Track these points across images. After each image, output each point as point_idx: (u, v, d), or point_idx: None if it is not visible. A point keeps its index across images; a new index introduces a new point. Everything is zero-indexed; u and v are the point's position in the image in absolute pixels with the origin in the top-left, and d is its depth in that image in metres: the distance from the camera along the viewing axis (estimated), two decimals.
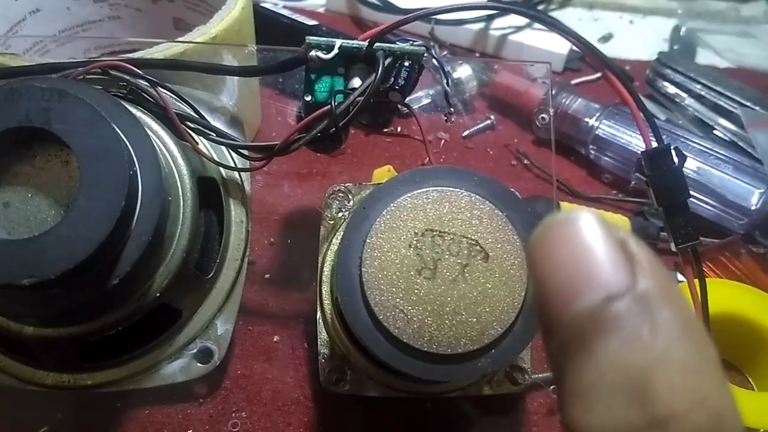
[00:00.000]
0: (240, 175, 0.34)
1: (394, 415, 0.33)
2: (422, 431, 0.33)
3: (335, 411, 0.33)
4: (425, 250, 0.28)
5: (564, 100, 0.48)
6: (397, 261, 0.28)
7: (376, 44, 0.31)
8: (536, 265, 0.16)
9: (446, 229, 0.28)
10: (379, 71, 0.31)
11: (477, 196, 0.29)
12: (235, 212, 0.34)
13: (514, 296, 0.28)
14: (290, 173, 0.42)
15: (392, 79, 0.31)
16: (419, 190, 0.29)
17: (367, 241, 0.28)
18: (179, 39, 0.37)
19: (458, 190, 0.29)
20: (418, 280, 0.28)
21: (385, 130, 0.47)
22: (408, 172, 0.30)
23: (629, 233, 0.16)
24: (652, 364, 0.14)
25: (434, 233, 0.28)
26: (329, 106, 0.30)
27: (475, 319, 0.28)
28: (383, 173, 0.41)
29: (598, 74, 0.56)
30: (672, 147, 0.32)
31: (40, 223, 0.27)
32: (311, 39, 0.32)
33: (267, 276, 0.38)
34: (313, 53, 0.31)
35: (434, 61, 0.33)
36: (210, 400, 0.33)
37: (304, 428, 0.32)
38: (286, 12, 0.51)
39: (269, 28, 0.46)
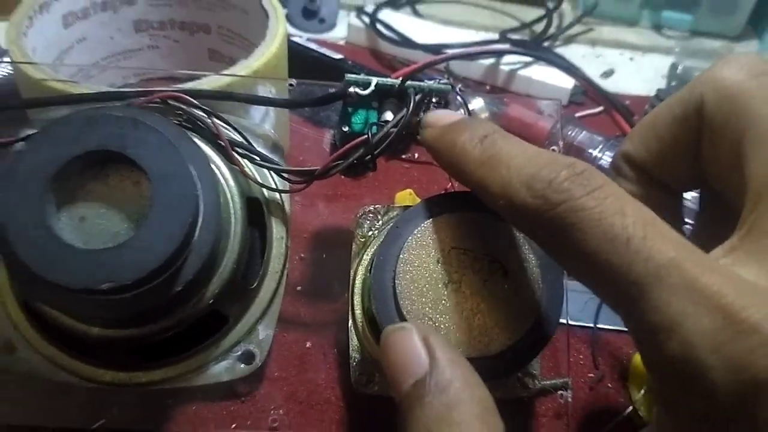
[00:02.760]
0: (281, 196, 0.38)
1: None
2: None
3: (364, 410, 0.36)
4: (451, 266, 0.32)
5: (570, 132, 0.52)
6: (426, 275, 0.31)
7: (408, 82, 0.35)
8: (384, 358, 0.26)
9: (470, 248, 0.32)
10: (411, 106, 0.35)
11: (497, 219, 0.32)
12: (276, 229, 0.37)
13: (529, 308, 0.32)
14: (318, 194, 0.46)
15: (422, 113, 0.35)
16: (447, 213, 0.32)
17: (400, 256, 0.32)
18: (224, 72, 0.41)
19: (481, 213, 0.32)
20: (445, 292, 0.31)
21: (404, 156, 0.51)
22: (436, 196, 0.33)
23: (435, 335, 0.26)
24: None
25: (459, 251, 0.32)
26: (366, 136, 0.34)
27: (495, 327, 0.31)
28: (405, 196, 0.45)
29: (600, 108, 0.60)
30: None
31: (113, 236, 0.30)
32: (350, 77, 0.35)
33: (299, 288, 0.41)
34: (351, 89, 0.35)
35: (459, 98, 0.37)
36: (251, 398, 0.36)
37: (336, 425, 0.36)
38: (313, 46, 0.55)
39: (299, 60, 0.49)
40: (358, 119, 0.36)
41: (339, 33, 0.66)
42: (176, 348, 0.35)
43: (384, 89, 0.35)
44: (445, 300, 0.31)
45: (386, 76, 0.36)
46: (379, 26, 0.63)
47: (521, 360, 0.32)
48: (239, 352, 0.35)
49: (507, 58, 0.60)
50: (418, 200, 0.41)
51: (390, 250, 0.32)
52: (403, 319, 0.31)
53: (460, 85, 0.59)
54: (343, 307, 0.40)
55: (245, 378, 0.35)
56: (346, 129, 0.36)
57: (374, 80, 0.35)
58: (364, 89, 0.35)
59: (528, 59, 0.61)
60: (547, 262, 0.32)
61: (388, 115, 0.36)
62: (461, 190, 0.34)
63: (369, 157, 0.34)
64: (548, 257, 0.32)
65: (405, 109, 0.35)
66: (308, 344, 0.39)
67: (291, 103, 0.38)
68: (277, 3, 0.47)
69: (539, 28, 0.70)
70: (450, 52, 0.39)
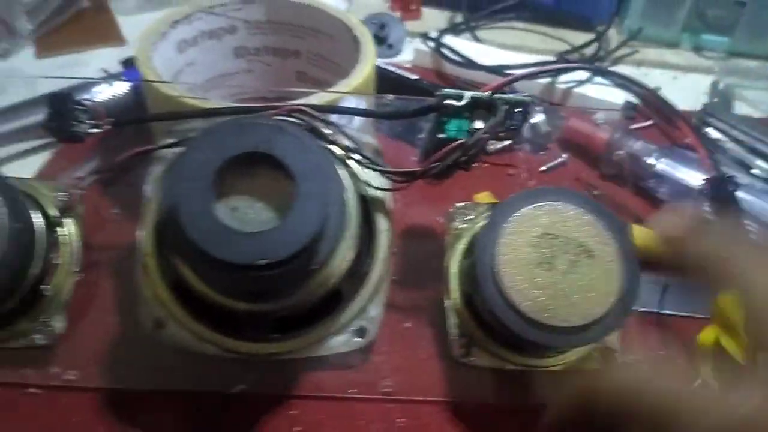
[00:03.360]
0: (384, 194, 0.43)
1: (507, 383, 0.42)
2: (521, 399, 0.42)
3: (463, 379, 0.42)
4: (543, 249, 0.37)
5: (627, 142, 0.57)
6: (522, 257, 0.37)
7: (495, 95, 0.41)
8: None
9: (559, 233, 0.37)
10: (500, 115, 0.40)
11: (580, 209, 0.38)
12: (381, 223, 0.43)
13: (612, 285, 0.37)
14: (404, 196, 0.51)
15: (509, 121, 0.41)
16: (536, 204, 0.38)
17: (499, 241, 0.37)
18: (330, 90, 0.47)
19: (566, 204, 0.38)
20: (539, 271, 0.37)
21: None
22: (525, 191, 0.39)
23: None
24: None
25: (550, 236, 0.37)
26: (462, 141, 0.40)
27: (583, 302, 0.36)
28: (483, 197, 0.50)
29: (651, 121, 0.66)
30: (728, 176, 0.41)
31: (262, 223, 0.36)
32: (445, 90, 0.41)
33: (394, 278, 0.47)
34: (447, 102, 0.41)
35: (538, 108, 0.43)
36: (362, 369, 0.42)
37: (439, 391, 0.41)
38: (391, 68, 0.61)
39: (380, 80, 0.56)
40: (451, 127, 0.42)
41: (405, 57, 0.73)
42: (302, 322, 0.40)
43: (475, 101, 0.41)
44: (538, 278, 0.37)
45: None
46: (444, 50, 0.69)
47: (607, 329, 0.37)
48: (354, 328, 0.41)
49: (563, 77, 0.66)
50: (496, 200, 0.47)
51: (489, 236, 0.38)
52: (503, 294, 0.36)
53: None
54: (433, 294, 0.46)
55: (358, 350, 0.41)
56: (441, 136, 0.42)
57: (468, 93, 0.41)
58: (458, 101, 0.41)
59: (582, 78, 0.66)
60: (624, 246, 0.38)
61: (478, 124, 0.42)
62: (543, 186, 0.39)
63: (465, 158, 0.40)
64: (627, 243, 0.38)
65: (494, 118, 0.41)
66: (407, 325, 0.44)
67: (393, 115, 0.44)
68: (366, 30, 0.53)
69: (588, 50, 0.75)
70: (525, 70, 0.44)
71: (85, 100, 0.42)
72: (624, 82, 0.64)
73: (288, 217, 0.35)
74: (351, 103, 0.48)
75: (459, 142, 0.40)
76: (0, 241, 0.35)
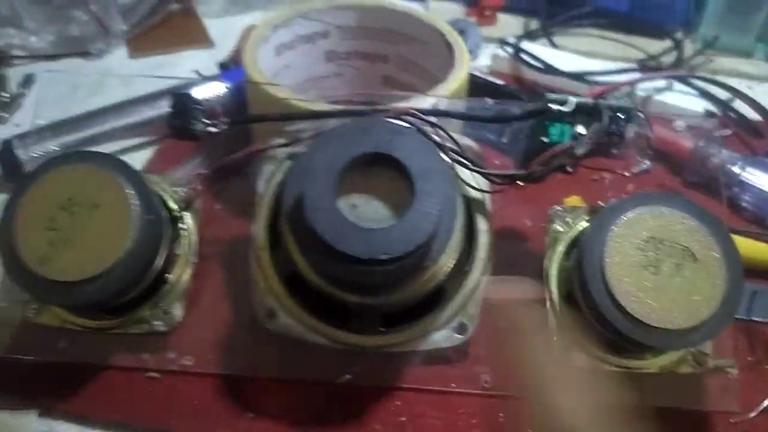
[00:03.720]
0: (483, 196, 0.45)
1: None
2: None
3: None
4: (650, 253, 0.38)
5: (711, 150, 0.58)
6: (629, 259, 0.38)
7: (599, 101, 0.42)
8: None
9: (665, 238, 0.38)
10: (605, 121, 0.42)
11: (685, 214, 0.39)
12: (481, 223, 0.44)
13: (716, 290, 0.38)
14: (497, 196, 0.52)
15: (612, 127, 0.42)
16: (643, 208, 0.39)
17: (607, 243, 0.38)
18: (429, 94, 0.49)
19: (672, 209, 0.39)
20: (645, 274, 0.38)
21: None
22: (632, 195, 0.40)
23: None
24: None
25: (656, 240, 0.38)
26: (568, 145, 0.41)
27: (688, 305, 0.37)
28: (573, 201, 0.52)
29: (729, 130, 0.66)
30: None
31: (379, 220, 0.38)
32: (550, 95, 0.43)
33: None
34: (552, 106, 0.42)
35: (640, 114, 0.44)
36: (461, 363, 0.43)
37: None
38: (477, 73, 0.63)
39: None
40: (554, 131, 0.43)
41: (482, 62, 0.74)
42: (407, 317, 0.42)
43: (579, 107, 0.43)
44: (645, 281, 0.38)
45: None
46: (523, 56, 0.70)
47: (710, 333, 0.38)
48: (455, 324, 0.42)
49: (644, 85, 0.66)
50: (585, 205, 0.48)
51: (597, 238, 0.39)
52: (611, 295, 0.38)
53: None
54: None
55: (458, 346, 0.43)
56: (545, 139, 0.43)
57: (574, 99, 0.42)
58: (563, 106, 0.42)
59: (661, 86, 0.67)
60: (728, 252, 0.39)
61: (580, 129, 0.43)
62: (648, 191, 0.40)
63: (571, 162, 0.41)
64: (731, 248, 0.39)
65: (599, 123, 0.42)
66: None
67: (497, 119, 0.46)
68: (458, 37, 0.55)
69: (664, 57, 0.76)
70: (630, 77, 0.46)
71: (204, 100, 0.44)
72: (729, 93, 0.64)
73: (407, 215, 0.36)
74: (446, 106, 0.50)
75: (564, 145, 0.41)
76: (134, 232, 0.38)
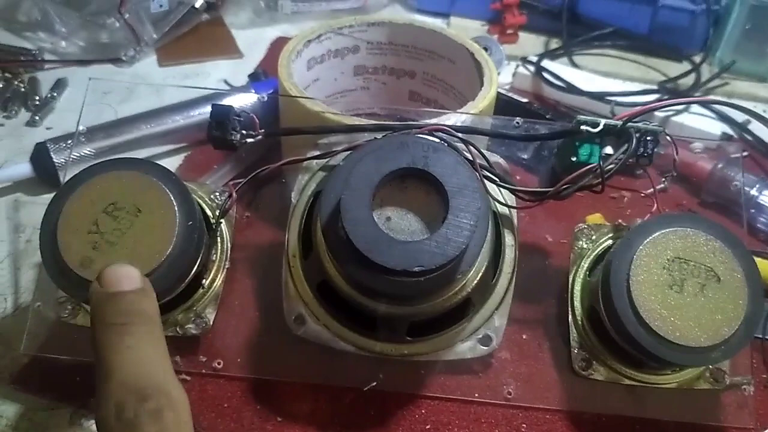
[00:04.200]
0: (510, 212, 0.46)
1: (622, 397, 0.44)
2: (635, 412, 0.44)
3: (582, 391, 0.44)
4: (675, 272, 0.39)
5: (729, 172, 0.59)
6: (654, 278, 0.39)
7: (628, 123, 0.44)
8: None
9: (690, 258, 0.40)
10: (634, 142, 0.43)
11: (710, 236, 0.40)
12: (508, 238, 0.45)
13: (738, 310, 0.39)
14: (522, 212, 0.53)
15: (640, 149, 0.43)
16: (669, 229, 0.40)
17: (633, 262, 0.40)
18: (460, 111, 0.50)
19: (697, 230, 0.40)
20: (670, 293, 0.39)
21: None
22: (658, 216, 0.42)
23: None
24: None
25: (681, 260, 0.40)
26: (597, 165, 0.42)
27: (710, 324, 0.38)
28: (595, 218, 0.53)
29: (745, 153, 0.67)
30: None
31: (413, 233, 0.39)
32: (581, 117, 0.44)
33: None
34: (583, 127, 0.44)
35: (667, 137, 0.45)
36: (485, 374, 0.44)
37: (558, 401, 0.44)
38: (502, 91, 0.64)
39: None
40: (583, 152, 0.45)
41: (503, 79, 0.75)
42: (434, 327, 0.43)
43: (607, 128, 0.44)
44: (671, 299, 0.39)
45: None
46: (544, 74, 0.72)
47: (731, 351, 0.39)
48: (480, 336, 0.43)
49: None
50: (608, 223, 0.49)
51: (624, 256, 0.40)
52: (635, 311, 0.39)
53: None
54: (547, 309, 0.48)
55: (482, 357, 0.44)
56: (574, 159, 0.45)
57: (603, 121, 0.43)
58: (594, 128, 0.44)
59: (679, 108, 0.69)
60: (750, 273, 0.40)
61: (608, 150, 0.44)
62: (674, 212, 0.41)
63: (599, 181, 0.43)
64: (753, 270, 0.40)
65: (627, 145, 0.43)
66: (524, 336, 0.47)
67: (527, 137, 0.47)
68: (487, 56, 0.56)
69: (681, 80, 0.77)
70: (660, 102, 0.48)
71: (242, 111, 0.45)
72: (747, 115, 0.65)
73: (440, 229, 0.37)
74: (474, 124, 0.51)
75: (592, 165, 0.43)
76: (176, 238, 0.39)
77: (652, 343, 0.38)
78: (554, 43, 0.82)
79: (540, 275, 0.50)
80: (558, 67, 0.75)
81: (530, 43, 0.83)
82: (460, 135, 0.44)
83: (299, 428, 0.42)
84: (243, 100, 0.61)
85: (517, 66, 0.76)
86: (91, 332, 0.31)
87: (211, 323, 0.44)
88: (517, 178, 0.61)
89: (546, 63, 0.74)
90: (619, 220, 0.48)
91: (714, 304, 0.39)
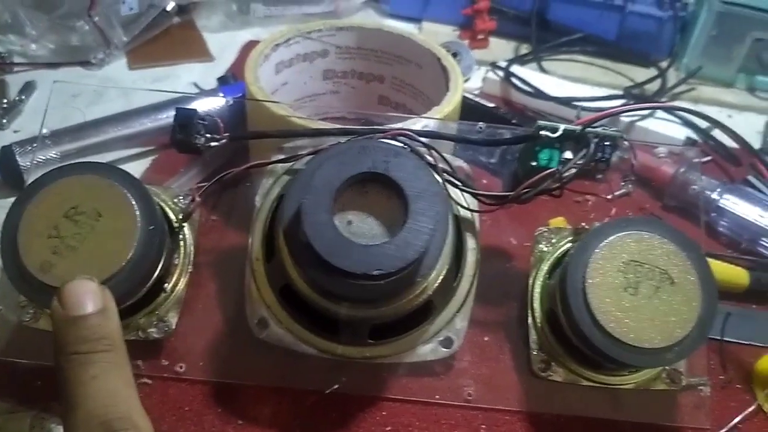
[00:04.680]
0: (472, 215, 0.46)
1: (581, 398, 0.44)
2: (593, 413, 0.45)
3: (542, 392, 0.44)
4: (630, 275, 0.40)
5: (690, 176, 0.60)
6: (610, 280, 0.40)
7: (587, 129, 0.44)
8: None
9: (644, 261, 0.40)
10: (592, 147, 0.44)
11: (664, 239, 0.41)
12: (469, 241, 0.46)
13: (692, 311, 0.40)
14: (485, 215, 0.54)
15: (599, 153, 0.44)
16: (625, 232, 0.41)
17: (589, 265, 0.40)
18: (425, 115, 0.51)
19: (652, 234, 0.41)
20: (625, 295, 0.40)
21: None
22: (615, 220, 0.42)
23: None
24: None
25: (636, 263, 0.40)
26: (555, 170, 0.43)
27: (664, 325, 0.39)
28: (558, 222, 0.53)
29: (709, 157, 0.69)
30: None
31: (373, 237, 0.39)
32: (541, 123, 0.45)
33: None
34: (543, 132, 0.44)
35: (625, 142, 0.46)
36: (446, 376, 0.45)
37: (518, 403, 0.44)
38: (469, 95, 0.65)
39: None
40: (543, 156, 0.45)
41: (473, 84, 0.76)
42: (395, 330, 0.43)
43: (566, 133, 0.44)
44: (625, 302, 0.40)
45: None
46: (513, 79, 0.73)
47: (684, 352, 0.40)
48: (441, 338, 0.44)
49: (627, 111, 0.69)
50: (569, 227, 0.50)
51: (580, 259, 0.41)
52: (591, 314, 0.39)
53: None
54: (510, 311, 0.49)
55: (443, 359, 0.44)
56: (534, 164, 0.45)
57: (562, 126, 0.44)
58: (553, 133, 0.44)
59: (644, 113, 0.70)
60: (704, 275, 0.41)
61: (568, 154, 0.45)
62: (630, 216, 0.42)
63: (558, 185, 0.43)
64: (707, 272, 0.41)
65: (586, 150, 0.44)
66: (486, 338, 0.47)
67: (489, 142, 0.48)
68: (453, 61, 0.57)
69: (648, 85, 0.79)
70: (620, 107, 0.49)
71: (207, 115, 0.45)
72: (709, 123, 0.66)
73: (400, 233, 0.38)
74: (440, 128, 0.52)
75: (552, 170, 0.43)
76: (136, 243, 0.39)
77: (606, 345, 0.39)
78: (524, 49, 0.83)
79: (503, 278, 0.51)
80: (527, 72, 0.76)
81: (500, 49, 0.83)
82: (422, 139, 0.44)
83: (260, 431, 0.42)
84: (211, 104, 0.62)
85: (487, 71, 0.77)
86: (55, 359, 0.31)
87: (174, 327, 0.44)
88: (484, 182, 0.62)
89: (515, 68, 0.75)
90: (583, 224, 0.49)
91: (668, 306, 0.40)
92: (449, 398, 0.44)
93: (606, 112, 0.45)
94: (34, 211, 0.40)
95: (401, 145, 0.43)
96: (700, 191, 0.60)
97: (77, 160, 0.44)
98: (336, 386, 0.44)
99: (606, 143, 0.45)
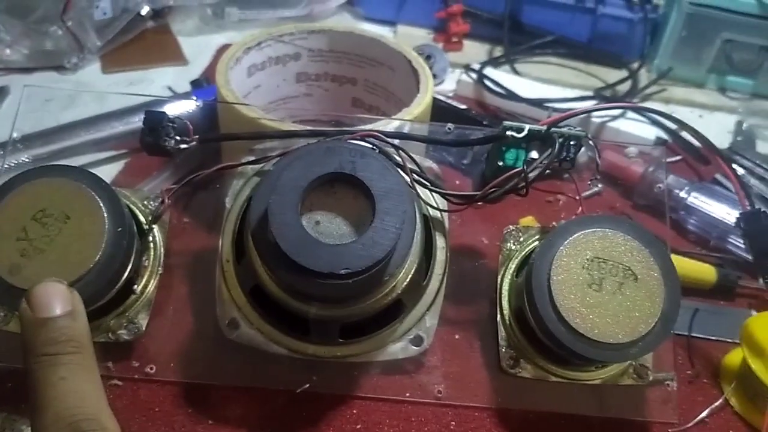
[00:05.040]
0: (442, 215, 0.47)
1: (550, 394, 0.45)
2: (562, 408, 0.45)
3: (510, 388, 0.45)
4: (594, 271, 0.41)
5: (659, 176, 0.61)
6: (574, 277, 0.41)
7: (552, 129, 0.45)
8: None
9: (608, 258, 0.41)
10: (556, 147, 0.44)
11: (628, 236, 0.42)
12: (439, 240, 0.46)
13: (655, 307, 0.40)
14: (457, 215, 0.54)
15: (564, 153, 0.45)
16: (589, 230, 0.42)
17: (554, 262, 0.41)
18: (394, 117, 0.51)
19: (616, 231, 0.42)
20: (589, 291, 0.40)
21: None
22: (579, 218, 0.43)
23: None
24: None
25: (600, 260, 0.41)
26: (521, 169, 0.44)
27: (628, 321, 0.40)
28: (527, 221, 0.54)
29: (679, 157, 0.70)
30: (762, 210, 0.45)
31: (341, 236, 0.39)
32: (507, 123, 0.45)
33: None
34: (508, 133, 0.45)
35: (590, 142, 0.46)
36: (417, 374, 0.45)
37: (488, 399, 0.45)
38: (441, 97, 0.65)
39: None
40: (510, 156, 0.46)
41: (447, 86, 0.77)
42: (365, 329, 0.44)
43: (532, 133, 0.45)
44: (589, 298, 0.40)
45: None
46: (486, 82, 0.74)
47: (648, 347, 0.41)
48: (411, 336, 0.44)
49: (598, 113, 0.70)
50: (538, 225, 0.50)
51: (545, 256, 0.41)
52: (556, 310, 0.40)
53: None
54: (479, 309, 0.49)
55: (413, 357, 0.45)
56: (500, 163, 0.46)
57: (527, 126, 0.45)
58: (519, 133, 0.45)
59: (615, 114, 0.71)
60: (667, 272, 0.41)
61: (534, 154, 0.46)
62: (595, 214, 0.43)
63: (524, 185, 0.44)
64: (670, 268, 0.41)
65: (551, 149, 0.45)
66: (457, 336, 0.48)
67: (457, 143, 0.48)
68: (424, 63, 0.57)
69: (620, 86, 0.80)
70: (585, 107, 0.49)
71: (176, 117, 0.45)
72: (676, 124, 0.67)
73: (367, 233, 0.38)
74: (410, 130, 0.52)
75: (517, 170, 0.44)
76: (104, 245, 0.39)
77: (571, 340, 0.40)
78: (498, 51, 0.84)
79: (474, 277, 0.52)
80: (500, 74, 0.76)
81: (474, 51, 0.84)
82: (390, 140, 0.45)
83: (230, 431, 0.43)
84: (184, 107, 0.62)
85: (461, 73, 0.77)
86: (24, 361, 0.32)
87: (144, 329, 0.44)
88: (456, 182, 0.63)
89: (489, 70, 0.76)
90: (554, 223, 0.50)
91: (631, 301, 0.40)
92: (419, 396, 0.45)
93: (570, 112, 0.46)
94: (2, 214, 0.40)
95: (369, 146, 0.44)
96: (666, 189, 0.61)
97: (45, 164, 0.44)
98: (307, 386, 0.44)
99: (571, 143, 0.45)
